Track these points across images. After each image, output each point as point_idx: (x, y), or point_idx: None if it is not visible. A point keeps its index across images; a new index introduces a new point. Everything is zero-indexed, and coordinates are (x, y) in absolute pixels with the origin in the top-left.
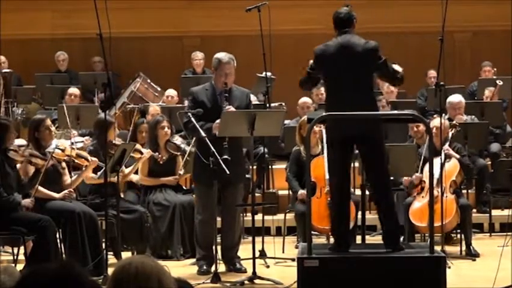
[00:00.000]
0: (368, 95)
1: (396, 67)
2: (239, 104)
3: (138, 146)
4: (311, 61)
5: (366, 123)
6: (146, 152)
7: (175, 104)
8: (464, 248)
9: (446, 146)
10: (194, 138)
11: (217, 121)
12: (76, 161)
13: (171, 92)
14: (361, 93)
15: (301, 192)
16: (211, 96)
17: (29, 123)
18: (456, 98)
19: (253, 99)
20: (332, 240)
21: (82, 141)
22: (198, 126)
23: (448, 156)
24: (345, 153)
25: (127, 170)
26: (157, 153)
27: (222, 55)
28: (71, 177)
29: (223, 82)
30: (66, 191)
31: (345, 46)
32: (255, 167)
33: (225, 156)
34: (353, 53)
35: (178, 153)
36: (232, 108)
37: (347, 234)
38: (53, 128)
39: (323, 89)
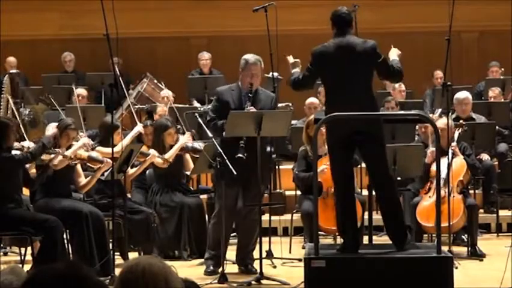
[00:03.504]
0: (368, 95)
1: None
2: (263, 106)
3: (144, 148)
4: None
5: (366, 122)
6: (152, 155)
7: (183, 105)
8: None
9: (454, 143)
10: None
11: None
12: (89, 164)
13: (167, 93)
14: (362, 93)
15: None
16: (236, 97)
17: (59, 123)
18: (462, 94)
19: None
20: (339, 240)
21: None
22: (218, 125)
23: (455, 154)
24: (345, 153)
25: (131, 171)
26: (161, 158)
27: (249, 56)
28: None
29: (248, 83)
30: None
31: (345, 46)
32: None
33: (239, 155)
34: (353, 52)
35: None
36: (253, 109)
37: (355, 235)
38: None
39: None
